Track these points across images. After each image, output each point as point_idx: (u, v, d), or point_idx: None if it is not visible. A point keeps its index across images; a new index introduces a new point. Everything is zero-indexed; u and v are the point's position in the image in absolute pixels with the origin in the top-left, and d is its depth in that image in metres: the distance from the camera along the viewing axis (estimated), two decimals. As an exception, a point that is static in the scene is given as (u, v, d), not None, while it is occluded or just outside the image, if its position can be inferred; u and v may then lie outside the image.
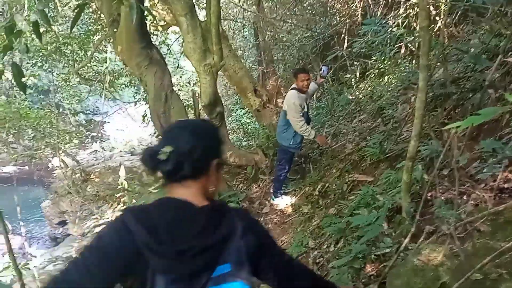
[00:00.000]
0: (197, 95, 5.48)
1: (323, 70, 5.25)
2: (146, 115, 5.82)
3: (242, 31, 13.71)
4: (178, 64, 9.91)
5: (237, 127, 11.50)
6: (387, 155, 3.90)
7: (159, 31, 8.13)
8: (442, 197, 2.67)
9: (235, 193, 5.20)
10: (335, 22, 10.03)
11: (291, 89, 5.02)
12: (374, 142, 4.08)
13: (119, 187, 6.28)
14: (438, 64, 4.82)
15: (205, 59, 4.86)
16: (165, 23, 7.76)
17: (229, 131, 11.86)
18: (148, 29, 7.30)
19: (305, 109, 5.05)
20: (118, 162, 13.37)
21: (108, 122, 18.67)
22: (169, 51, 10.23)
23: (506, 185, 2.39)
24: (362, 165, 4.38)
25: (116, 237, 1.10)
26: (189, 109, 7.06)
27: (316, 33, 10.12)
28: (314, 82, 5.29)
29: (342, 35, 9.27)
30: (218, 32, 4.61)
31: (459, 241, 1.68)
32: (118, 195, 6.66)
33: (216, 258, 1.13)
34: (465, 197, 2.42)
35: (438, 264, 1.64)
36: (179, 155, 1.19)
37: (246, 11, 11.61)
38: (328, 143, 5.37)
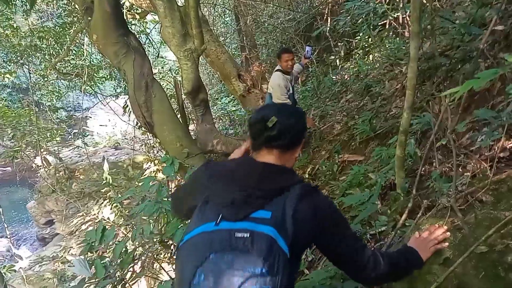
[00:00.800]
0: (178, 83, 5.31)
1: (307, 51, 5.13)
2: (127, 106, 5.62)
3: (223, 16, 13.48)
4: (158, 54, 9.65)
5: (222, 115, 11.36)
6: (377, 132, 3.80)
7: (136, 19, 7.88)
8: (437, 171, 2.58)
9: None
10: (317, 2, 9.90)
11: (275, 70, 4.89)
12: (363, 120, 3.98)
13: (103, 182, 6.11)
14: (425, 39, 4.73)
15: (185, 43, 4.68)
16: (142, 10, 7.52)
17: (215, 120, 11.72)
18: (124, 16, 7.08)
19: (290, 91, 4.92)
20: (102, 158, 13.17)
21: (91, 118, 18.35)
22: (148, 40, 9.96)
23: (502, 154, 2.30)
24: (352, 144, 4.29)
25: (194, 176, 1.59)
26: (173, 99, 6.86)
27: (298, 15, 10.00)
28: (299, 63, 5.16)
29: (325, 16, 9.16)
30: (197, 14, 4.44)
31: (460, 213, 1.58)
32: (103, 191, 6.49)
33: (262, 204, 1.26)
34: (461, 169, 2.33)
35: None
36: (283, 126, 1.40)
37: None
38: (315, 124, 5.27)
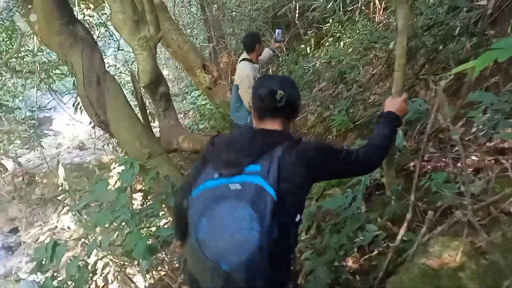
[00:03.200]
0: (136, 75, 4.80)
1: (278, 33, 4.71)
2: (78, 104, 5.07)
3: (188, 7, 12.90)
4: (119, 46, 9.02)
5: (192, 110, 10.89)
6: (356, 122, 3.43)
7: (90, 8, 7.26)
8: (429, 166, 2.22)
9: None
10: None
11: (242, 59, 4.45)
12: (340, 110, 3.60)
13: (59, 189, 5.56)
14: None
15: (138, 31, 4.18)
16: (96, -1, 6.93)
17: (185, 115, 11.21)
18: (76, 5, 6.47)
19: (260, 81, 4.50)
20: (67, 160, 12.44)
21: (55, 118, 17.41)
22: (108, 32, 9.32)
23: (506, 145, 1.95)
24: (328, 137, 3.91)
25: (202, 152, 1.79)
26: (131, 94, 6.32)
27: (266, 3, 9.60)
28: (269, 48, 4.74)
29: (294, 2, 8.79)
30: (150, -3, 3.95)
31: (483, 230, 1.21)
32: (60, 198, 5.93)
33: (253, 160, 1.49)
34: (459, 165, 1.98)
35: (457, 267, 1.15)
36: (289, 98, 1.62)
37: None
38: None
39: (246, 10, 10.26)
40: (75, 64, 4.37)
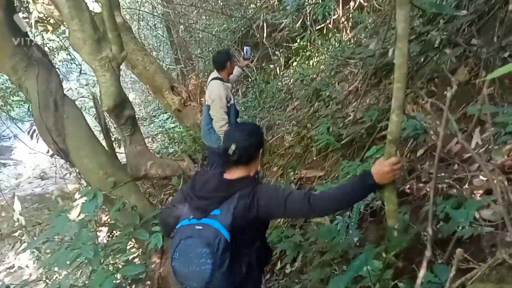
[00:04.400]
0: (98, 98, 4.45)
1: (246, 51, 4.51)
2: (34, 131, 4.65)
3: (154, 29, 12.65)
4: (81, 69, 8.60)
5: (161, 134, 10.54)
6: (342, 141, 3.18)
7: (48, 31, 6.86)
8: (428, 188, 2.00)
9: (161, 212, 4.25)
10: (251, 11, 9.41)
11: (213, 79, 4.21)
12: (321, 130, 3.36)
13: (15, 224, 5.07)
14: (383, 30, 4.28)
15: (100, 50, 3.87)
16: (55, 21, 6.55)
17: (153, 139, 10.80)
18: (33, 27, 6.10)
19: (232, 101, 4.26)
20: (27, 190, 11.73)
21: (15, 147, 16.54)
22: (69, 56, 8.90)
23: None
24: (308, 158, 3.68)
25: (183, 189, 2.21)
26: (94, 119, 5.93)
27: (233, 24, 9.50)
28: (237, 66, 4.52)
29: (261, 23, 8.73)
30: (112, 14, 3.67)
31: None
32: (16, 234, 5.42)
33: (216, 205, 1.86)
34: (466, 186, 1.77)
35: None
36: (241, 150, 1.92)
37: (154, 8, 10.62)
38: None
39: (213, 32, 10.12)
40: (30, 89, 4.00)
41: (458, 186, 1.78)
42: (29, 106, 5.14)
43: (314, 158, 3.53)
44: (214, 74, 4.22)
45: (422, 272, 1.18)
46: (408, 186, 2.09)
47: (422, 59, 3.02)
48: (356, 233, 1.86)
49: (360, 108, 3.32)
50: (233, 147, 1.90)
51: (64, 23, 6.01)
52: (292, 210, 1.82)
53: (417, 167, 2.18)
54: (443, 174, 1.97)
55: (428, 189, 1.98)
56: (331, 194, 1.81)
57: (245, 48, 4.60)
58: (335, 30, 5.62)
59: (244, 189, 1.86)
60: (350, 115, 3.48)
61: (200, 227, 1.83)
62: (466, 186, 1.77)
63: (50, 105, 3.99)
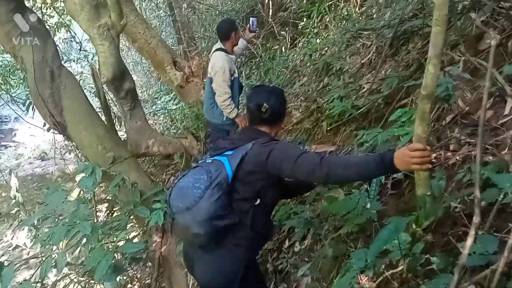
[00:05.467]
0: (97, 70, 4.24)
1: (252, 22, 4.26)
2: (30, 103, 4.45)
3: (155, 10, 12.36)
4: (81, 47, 8.35)
5: (163, 115, 10.37)
6: (360, 110, 2.93)
7: (46, 4, 6.62)
8: (457, 157, 1.80)
9: (162, 189, 4.08)
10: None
11: (217, 50, 3.98)
12: (334, 100, 3.14)
13: (12, 202, 4.91)
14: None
15: (98, 17, 3.66)
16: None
17: (155, 121, 10.62)
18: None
19: (236, 74, 4.05)
20: (28, 171, 11.62)
21: (17, 129, 16.38)
22: (69, 33, 8.66)
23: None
24: (317, 133, 3.48)
25: None
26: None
27: (237, 4, 9.27)
28: (243, 38, 4.28)
29: (267, 0, 8.49)
30: (111, -22, 3.44)
31: None
32: (14, 212, 5.27)
33: (232, 147, 1.95)
34: (506, 151, 1.58)
35: None
36: (273, 110, 2.01)
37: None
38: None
39: (217, 12, 9.86)
40: (25, 57, 3.81)
41: (496, 152, 1.59)
42: (24, 76, 4.93)
43: (325, 133, 3.33)
44: (218, 45, 4.00)
45: (469, 241, 0.99)
46: (434, 155, 1.89)
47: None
48: (377, 205, 1.68)
49: (375, 80, 3.11)
50: (266, 105, 1.97)
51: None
52: (301, 167, 1.73)
53: (445, 134, 1.98)
54: (472, 140, 1.77)
55: (458, 158, 1.78)
56: (345, 161, 1.70)
57: (251, 19, 4.35)
58: (345, 4, 5.37)
59: (262, 139, 1.93)
60: (364, 87, 3.27)
61: (209, 161, 1.92)
62: (506, 151, 1.57)
63: (46, 76, 3.80)
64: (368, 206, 1.68)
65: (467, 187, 1.58)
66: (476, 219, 1.02)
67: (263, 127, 2.04)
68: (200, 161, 2.01)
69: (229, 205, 1.86)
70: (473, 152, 1.70)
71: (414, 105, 2.40)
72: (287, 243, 2.67)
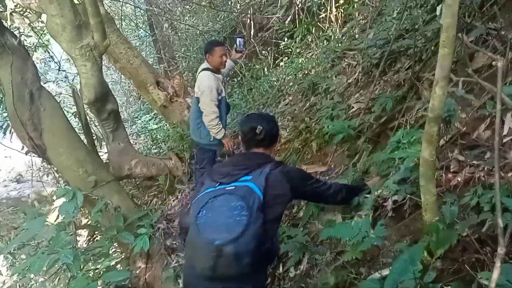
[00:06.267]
0: (78, 91, 4.12)
1: (239, 43, 4.21)
2: (8, 126, 4.27)
3: (135, 29, 12.29)
4: (59, 67, 8.16)
5: (143, 135, 10.19)
6: (358, 130, 2.89)
7: (26, 24, 6.46)
8: (459, 179, 1.77)
9: (147, 213, 3.95)
10: (236, 11, 9.20)
11: (203, 69, 3.93)
12: (324, 118, 3.09)
13: (-14, 228, 4.68)
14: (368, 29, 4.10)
15: (81, 38, 3.55)
16: (33, 12, 6.16)
17: (135, 141, 10.42)
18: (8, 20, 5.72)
19: (223, 94, 3.99)
20: (2, 194, 11.20)
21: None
22: (47, 52, 8.48)
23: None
24: (307, 153, 3.43)
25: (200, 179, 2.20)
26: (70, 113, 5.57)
27: (218, 25, 9.30)
28: (230, 59, 4.23)
29: (248, 21, 8.55)
30: (95, -2, 3.36)
31: None
32: (-13, 239, 5.02)
33: (246, 173, 1.93)
34: (511, 174, 1.54)
35: None
36: (267, 132, 2.10)
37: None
38: (231, 151, 4.19)
39: (197, 32, 9.84)
40: (3, 79, 3.68)
41: (502, 174, 1.57)
42: (2, 99, 4.76)
43: (315, 153, 3.29)
44: (205, 64, 3.94)
45: (495, 274, 0.93)
46: (440, 175, 1.86)
47: (433, 45, 2.81)
48: (382, 231, 1.62)
49: (363, 99, 3.10)
50: (260, 127, 2.06)
51: (43, 8, 5.64)
52: (317, 194, 2.12)
53: (443, 155, 1.95)
54: (474, 162, 1.75)
55: (459, 180, 1.75)
56: (350, 191, 2.21)
57: (237, 40, 4.30)
58: (328, 25, 5.42)
59: (272, 162, 2.03)
60: (353, 107, 3.25)
61: (232, 187, 1.85)
62: (507, 174, 1.55)
63: (25, 97, 3.67)
64: (372, 232, 1.61)
65: (473, 211, 1.54)
66: (501, 250, 0.97)
67: (260, 149, 2.11)
68: (208, 190, 1.90)
69: (267, 229, 1.84)
70: (476, 174, 1.67)
71: (409, 126, 2.39)
72: (281, 269, 2.58)
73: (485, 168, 1.66)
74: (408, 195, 1.86)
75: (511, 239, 1.26)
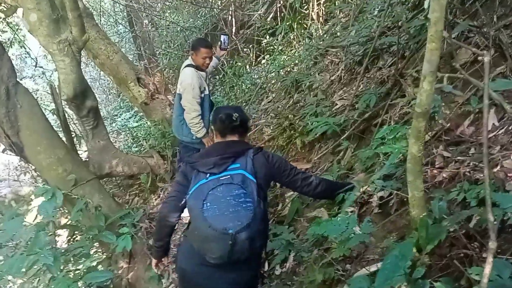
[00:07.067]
0: (56, 87, 4.01)
1: (223, 40, 4.18)
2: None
3: (115, 25, 12.08)
4: (36, 63, 7.96)
5: (124, 133, 10.02)
6: (342, 126, 2.89)
7: (1, 18, 6.27)
8: (444, 175, 1.78)
9: (129, 212, 3.88)
10: (217, 9, 9.13)
11: (186, 66, 3.87)
12: (310, 115, 3.08)
13: (-40, 229, 4.51)
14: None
15: (58, 33, 3.46)
16: (9, 6, 5.98)
17: (115, 139, 10.25)
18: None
19: (206, 91, 3.94)
20: (-23, 194, 10.88)
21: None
22: (24, 48, 8.26)
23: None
24: (291, 150, 3.42)
25: (181, 173, 2.19)
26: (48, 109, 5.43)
27: (199, 21, 9.20)
28: (214, 56, 4.19)
29: (230, 18, 8.49)
30: (73, -9, 3.28)
31: None
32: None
33: (233, 160, 2.03)
34: (498, 169, 1.56)
35: None
36: (242, 119, 2.20)
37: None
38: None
39: (178, 28, 9.72)
40: (-23, 75, 3.53)
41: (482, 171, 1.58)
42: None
43: (299, 150, 3.28)
44: (188, 61, 3.88)
45: (488, 269, 0.93)
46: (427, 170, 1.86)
47: (416, 42, 2.83)
48: (369, 228, 1.61)
49: (347, 96, 3.10)
50: (236, 115, 2.14)
51: (19, 1, 5.48)
52: (294, 180, 2.21)
53: (427, 151, 1.96)
54: (459, 158, 1.76)
55: (444, 176, 1.76)
56: (331, 186, 2.29)
57: (222, 37, 4.27)
58: (310, 22, 5.43)
59: (252, 148, 2.14)
60: (337, 104, 3.26)
61: (227, 176, 1.93)
62: (498, 168, 1.56)
63: (1, 94, 3.53)
64: (358, 229, 1.61)
65: (459, 206, 1.55)
66: (492, 244, 0.97)
67: (234, 136, 2.19)
68: (201, 182, 1.95)
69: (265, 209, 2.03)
70: (461, 170, 1.68)
71: (393, 122, 2.41)
72: (266, 267, 2.56)
73: (471, 164, 1.67)
74: (395, 191, 1.87)
75: (500, 234, 1.27)
